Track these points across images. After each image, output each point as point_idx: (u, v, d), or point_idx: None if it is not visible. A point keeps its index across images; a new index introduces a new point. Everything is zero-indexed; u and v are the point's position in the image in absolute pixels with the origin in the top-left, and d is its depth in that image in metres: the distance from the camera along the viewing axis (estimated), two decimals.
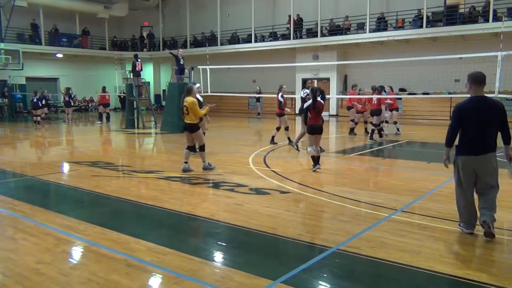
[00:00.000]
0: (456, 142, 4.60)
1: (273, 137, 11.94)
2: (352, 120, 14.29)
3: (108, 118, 20.45)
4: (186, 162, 8.22)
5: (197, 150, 10.87)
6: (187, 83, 16.00)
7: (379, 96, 12.50)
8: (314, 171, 8.11)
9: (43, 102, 19.56)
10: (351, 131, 14.13)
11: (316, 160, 8.20)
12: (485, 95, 4.48)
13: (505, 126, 4.47)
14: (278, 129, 11.65)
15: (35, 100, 19.28)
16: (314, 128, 8.12)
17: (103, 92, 21.02)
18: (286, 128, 11.48)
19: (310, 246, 4.35)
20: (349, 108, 14.44)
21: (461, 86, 16.70)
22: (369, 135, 12.61)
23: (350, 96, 14.49)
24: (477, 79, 4.42)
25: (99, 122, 20.10)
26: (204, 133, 10.81)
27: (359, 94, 14.50)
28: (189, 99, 7.91)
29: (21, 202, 6.15)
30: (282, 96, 11.20)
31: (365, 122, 14.22)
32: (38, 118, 18.95)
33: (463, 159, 4.47)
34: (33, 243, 4.49)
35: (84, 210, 5.97)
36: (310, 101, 8.09)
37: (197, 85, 11.33)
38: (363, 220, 5.24)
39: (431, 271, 3.73)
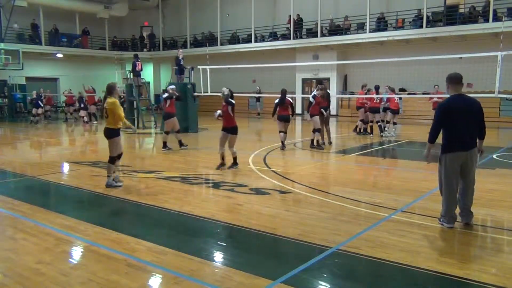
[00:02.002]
0: (440, 140, 4.83)
1: (312, 140, 11.37)
2: (362, 120, 14.38)
3: (95, 117, 20.84)
4: (109, 176, 7.00)
5: (182, 145, 10.96)
6: (186, 83, 16.11)
7: (433, 95, 12.92)
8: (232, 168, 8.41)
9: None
10: (364, 130, 14.18)
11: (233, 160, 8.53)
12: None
13: (483, 123, 4.77)
14: (318, 130, 11.39)
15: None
16: (224, 129, 8.46)
17: (93, 92, 21.46)
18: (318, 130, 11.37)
19: (310, 246, 4.35)
20: (358, 108, 14.49)
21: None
22: (380, 132, 13.52)
23: (369, 96, 14.27)
24: (454, 79, 4.75)
25: (95, 121, 20.44)
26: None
27: (366, 93, 14.53)
28: (109, 100, 6.80)
29: (21, 202, 6.15)
30: (314, 97, 11.17)
31: (367, 122, 14.23)
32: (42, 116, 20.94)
33: (451, 156, 4.68)
34: (33, 243, 4.49)
35: (84, 210, 5.97)
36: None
37: (172, 86, 11.47)
38: (363, 220, 5.24)
39: (431, 271, 3.73)
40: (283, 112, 10.70)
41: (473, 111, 4.69)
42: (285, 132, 10.90)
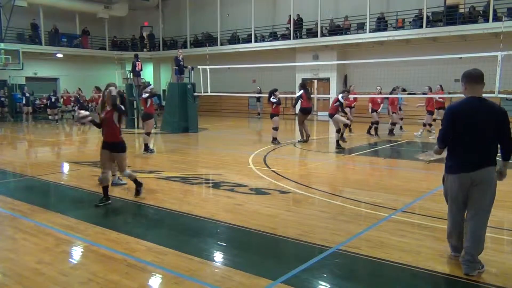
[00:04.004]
0: (444, 154, 3.89)
1: (337, 141, 11.30)
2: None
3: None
4: (114, 175, 7.03)
5: (145, 151, 10.67)
6: (186, 83, 16.11)
7: (436, 96, 13.14)
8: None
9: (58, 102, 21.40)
10: (369, 130, 14.19)
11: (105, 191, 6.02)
12: (484, 96, 3.71)
13: (505, 136, 3.63)
14: (338, 131, 11.34)
15: (53, 100, 20.84)
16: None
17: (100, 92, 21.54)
18: (338, 130, 11.36)
19: (310, 246, 4.35)
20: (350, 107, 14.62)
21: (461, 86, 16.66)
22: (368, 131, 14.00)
23: (374, 96, 14.08)
24: (472, 77, 3.67)
25: None
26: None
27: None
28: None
29: (21, 202, 6.15)
30: (342, 97, 11.24)
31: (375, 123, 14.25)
32: (56, 117, 20.58)
33: (451, 178, 3.75)
34: (33, 243, 4.48)
35: (84, 210, 5.96)
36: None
37: (151, 86, 11.41)
38: (363, 220, 5.24)
39: (431, 271, 3.72)
40: (273, 110, 12.31)
41: (492, 122, 3.58)
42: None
